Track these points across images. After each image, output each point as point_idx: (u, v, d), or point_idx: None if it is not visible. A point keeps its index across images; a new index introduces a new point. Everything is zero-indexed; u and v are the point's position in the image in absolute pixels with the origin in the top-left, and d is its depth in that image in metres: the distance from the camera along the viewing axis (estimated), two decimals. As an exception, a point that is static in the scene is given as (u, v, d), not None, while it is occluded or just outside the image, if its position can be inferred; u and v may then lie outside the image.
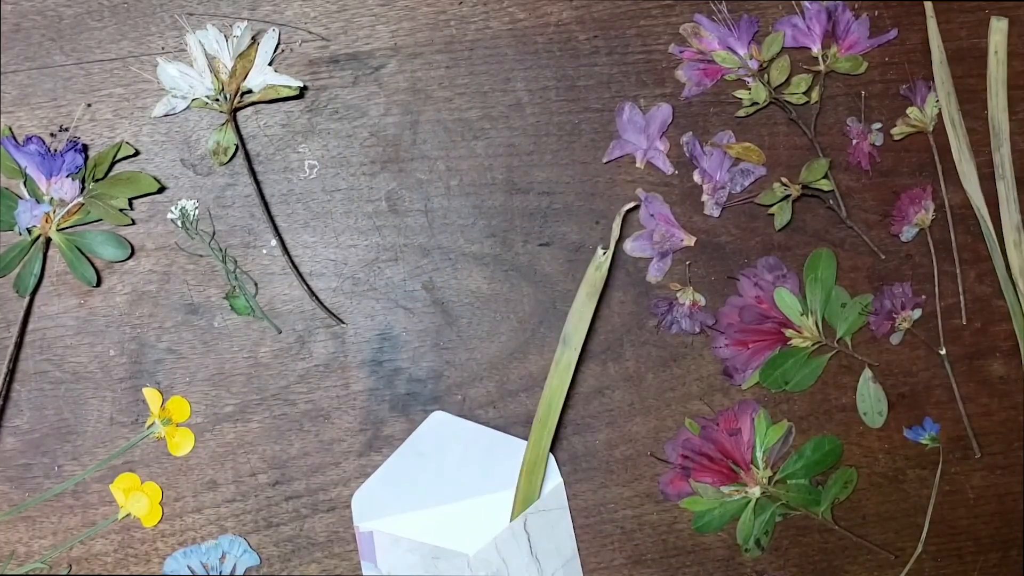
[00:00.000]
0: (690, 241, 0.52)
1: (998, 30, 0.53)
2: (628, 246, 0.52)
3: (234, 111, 0.50)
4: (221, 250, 0.50)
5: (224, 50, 0.49)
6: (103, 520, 0.50)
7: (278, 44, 0.51)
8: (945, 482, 0.53)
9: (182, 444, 0.50)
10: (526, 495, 0.50)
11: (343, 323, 0.51)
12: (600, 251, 0.50)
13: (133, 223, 0.50)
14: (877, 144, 0.53)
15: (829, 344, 0.52)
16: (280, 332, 0.51)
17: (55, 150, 0.49)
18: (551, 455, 0.51)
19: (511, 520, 0.50)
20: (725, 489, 0.52)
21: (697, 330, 0.52)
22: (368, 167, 0.51)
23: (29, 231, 0.49)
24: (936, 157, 0.53)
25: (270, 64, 0.50)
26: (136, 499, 0.50)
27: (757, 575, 0.52)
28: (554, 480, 0.51)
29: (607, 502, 0.52)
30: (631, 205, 0.50)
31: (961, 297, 0.53)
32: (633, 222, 0.52)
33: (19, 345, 0.50)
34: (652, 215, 0.52)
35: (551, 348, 0.51)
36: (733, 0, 0.53)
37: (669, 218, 0.52)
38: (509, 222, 0.52)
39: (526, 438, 0.50)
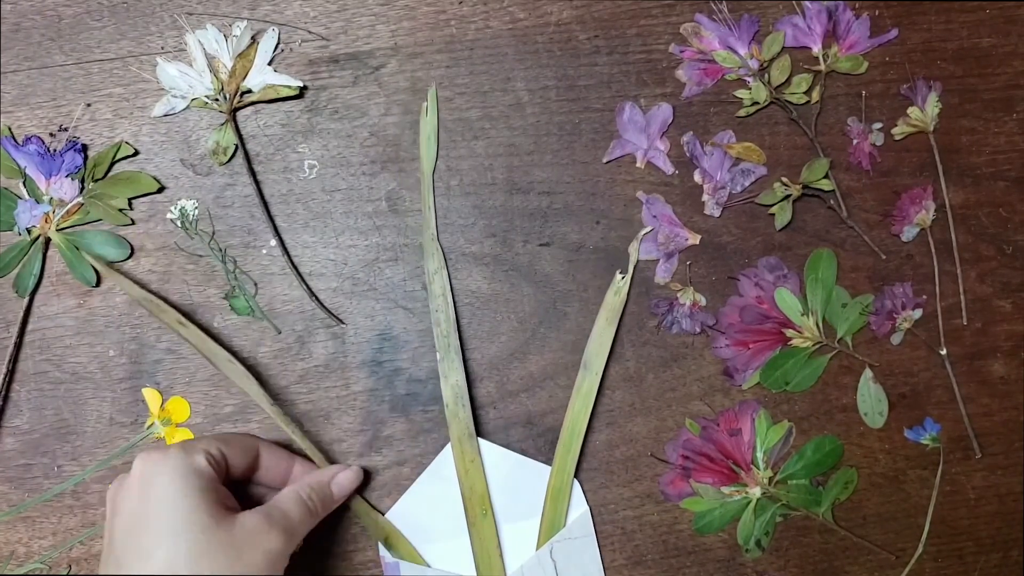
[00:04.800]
0: (695, 239, 0.52)
1: None
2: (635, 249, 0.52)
3: (234, 111, 0.50)
4: (221, 250, 0.50)
5: (224, 50, 0.49)
6: (103, 520, 0.50)
7: (278, 44, 0.51)
8: (946, 482, 0.53)
9: (182, 444, 0.50)
10: (551, 522, 0.50)
11: (343, 323, 0.51)
12: (619, 276, 0.50)
13: (133, 223, 0.50)
14: (878, 144, 0.53)
15: (830, 344, 0.52)
16: (280, 332, 0.51)
17: (55, 150, 0.49)
18: (576, 481, 0.51)
19: (537, 548, 0.50)
20: (726, 490, 0.52)
21: (697, 330, 0.52)
22: (368, 167, 0.51)
23: (29, 231, 0.49)
24: (937, 157, 0.53)
25: (270, 64, 0.50)
26: (136, 499, 0.49)
27: (758, 575, 0.52)
28: (580, 507, 0.50)
29: (607, 502, 0.52)
30: (648, 230, 0.51)
31: (962, 297, 0.53)
32: (634, 222, 0.52)
33: (19, 345, 0.50)
34: (655, 216, 0.52)
35: (551, 348, 0.51)
36: (733, 0, 0.53)
37: (672, 218, 0.52)
38: (509, 222, 0.52)
39: (528, 441, 0.50)
